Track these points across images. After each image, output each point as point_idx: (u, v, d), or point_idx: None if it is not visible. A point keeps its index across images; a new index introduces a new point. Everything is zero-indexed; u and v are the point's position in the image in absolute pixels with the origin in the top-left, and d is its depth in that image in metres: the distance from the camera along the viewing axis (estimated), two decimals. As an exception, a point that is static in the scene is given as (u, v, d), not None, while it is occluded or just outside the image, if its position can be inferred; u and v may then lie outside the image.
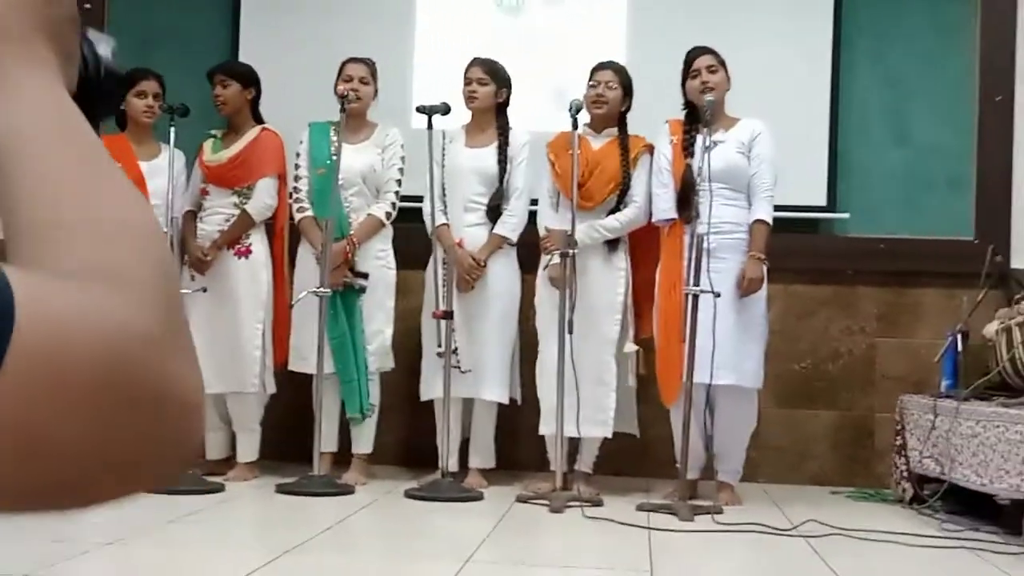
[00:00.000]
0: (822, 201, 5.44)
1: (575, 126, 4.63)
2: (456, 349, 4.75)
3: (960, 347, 4.83)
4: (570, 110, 4.61)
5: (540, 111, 5.33)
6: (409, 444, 5.42)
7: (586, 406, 4.70)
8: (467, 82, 4.94)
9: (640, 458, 5.30)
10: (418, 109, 4.85)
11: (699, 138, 4.66)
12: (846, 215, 5.45)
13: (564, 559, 3.66)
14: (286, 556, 3.41)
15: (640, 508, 4.44)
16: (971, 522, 4.32)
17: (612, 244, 4.85)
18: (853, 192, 5.48)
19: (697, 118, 4.73)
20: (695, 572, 3.52)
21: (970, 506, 4.49)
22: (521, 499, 4.61)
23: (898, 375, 5.41)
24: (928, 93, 5.48)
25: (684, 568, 3.53)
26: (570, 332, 4.48)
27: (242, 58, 5.46)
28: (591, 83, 4.87)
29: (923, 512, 4.59)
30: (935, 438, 4.59)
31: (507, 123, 5.00)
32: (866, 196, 5.48)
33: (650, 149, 4.90)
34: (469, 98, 4.94)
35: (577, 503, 4.46)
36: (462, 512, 4.38)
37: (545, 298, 4.84)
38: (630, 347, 4.86)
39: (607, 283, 4.83)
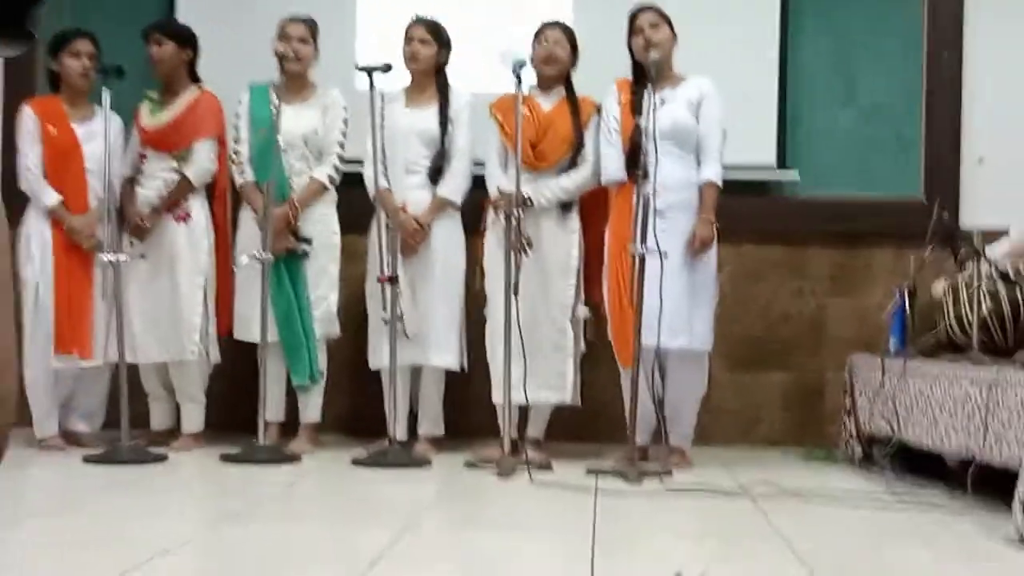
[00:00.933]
0: (771, 159, 5.40)
1: (519, 83, 4.54)
2: (402, 315, 4.68)
3: (907, 306, 4.81)
4: (513, 68, 4.53)
5: (483, 72, 5.23)
6: (357, 412, 5.34)
7: (540, 371, 4.65)
8: (407, 41, 4.85)
9: (593, 424, 5.26)
10: (358, 68, 4.76)
11: (645, 96, 4.60)
12: (795, 172, 5.41)
13: (508, 523, 3.60)
14: (226, 524, 3.34)
15: (589, 472, 4.40)
16: (920, 481, 4.31)
17: (565, 205, 4.79)
18: (802, 151, 5.45)
19: (644, 77, 4.66)
20: (638, 533, 3.47)
21: (919, 465, 4.48)
22: (469, 465, 4.56)
23: (848, 336, 5.39)
24: (876, 51, 5.44)
25: (627, 530, 3.49)
26: (515, 294, 4.41)
27: (179, 17, 5.32)
28: (540, 42, 4.79)
29: (872, 471, 4.58)
30: (884, 397, 4.57)
31: (447, 84, 4.91)
32: (816, 155, 5.45)
33: (599, 111, 4.83)
34: (411, 58, 4.85)
35: (526, 468, 4.42)
36: (409, 479, 4.33)
37: (495, 261, 4.74)
38: (583, 311, 4.81)
39: (560, 245, 4.77)
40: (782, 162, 5.40)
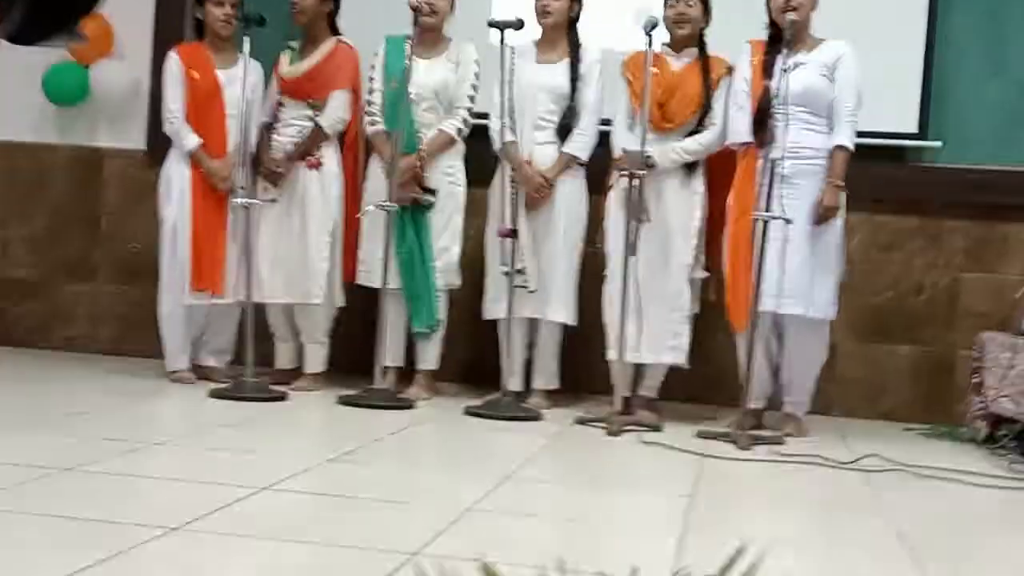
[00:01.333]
0: (913, 128, 5.24)
1: (650, 43, 4.50)
2: (522, 269, 4.72)
3: (1044, 284, 4.63)
4: (644, 28, 4.49)
5: (617, 29, 5.20)
6: (475, 363, 5.41)
7: (657, 331, 4.63)
8: (540, -6, 4.84)
9: (710, 386, 5.23)
10: (490, 24, 4.78)
11: (779, 59, 4.51)
12: (938, 143, 5.24)
13: (606, 481, 3.63)
14: (330, 464, 3.45)
15: (700, 435, 4.38)
16: (1044, 465, 4.17)
17: (690, 167, 4.73)
18: (947, 121, 5.26)
19: (780, 38, 4.57)
20: (736, 498, 3.46)
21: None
22: (580, 421, 4.58)
23: (982, 312, 5.23)
24: (1027, 22, 5.21)
25: (724, 494, 3.48)
26: (632, 255, 4.40)
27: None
28: (671, 2, 4.73)
29: (996, 452, 4.45)
30: (1012, 377, 4.43)
31: (578, 39, 4.89)
32: (960, 126, 5.26)
33: (731, 71, 4.75)
34: (542, 13, 4.84)
35: (636, 427, 4.42)
36: (520, 430, 4.38)
37: (617, 221, 4.73)
38: (699, 273, 4.77)
39: (683, 207, 4.72)
40: (924, 132, 5.23)
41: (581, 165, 4.88)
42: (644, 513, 3.21)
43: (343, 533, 2.66)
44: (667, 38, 4.77)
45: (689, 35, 4.74)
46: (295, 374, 5.09)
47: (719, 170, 4.79)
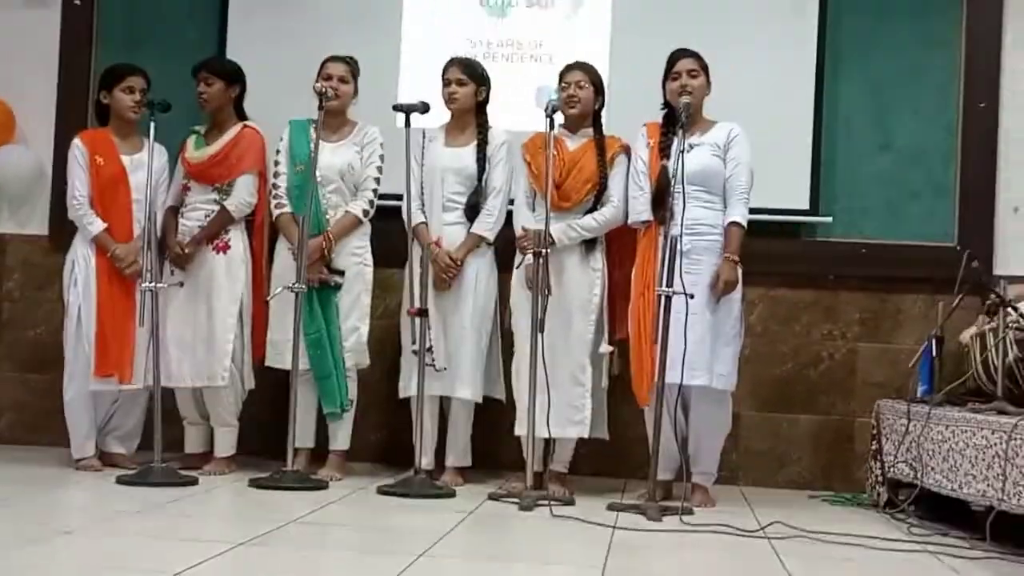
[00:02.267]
0: (805, 205, 5.43)
1: (551, 127, 4.64)
2: (431, 347, 4.77)
3: (935, 352, 4.81)
4: (546, 111, 4.63)
5: (524, 111, 5.34)
6: (387, 442, 5.44)
7: (561, 406, 4.71)
8: (446, 83, 4.97)
9: (618, 459, 5.32)
10: (395, 108, 4.90)
11: (675, 140, 4.67)
12: (829, 219, 5.44)
13: (521, 555, 3.66)
14: (247, 546, 3.43)
15: (610, 508, 4.45)
16: (942, 527, 4.31)
17: (589, 244, 4.86)
18: (836, 196, 5.48)
19: (675, 120, 4.74)
20: (646, 569, 3.52)
21: (944, 511, 4.48)
22: (493, 497, 4.62)
23: (879, 380, 5.41)
24: (912, 99, 5.47)
25: (635, 565, 3.54)
26: (541, 331, 4.49)
27: (229, 54, 5.49)
28: (562, 84, 4.89)
29: (896, 517, 4.58)
30: (908, 443, 4.58)
31: (486, 122, 5.02)
32: (849, 201, 5.48)
33: (626, 149, 4.91)
34: (449, 99, 4.96)
35: (548, 502, 4.47)
36: (433, 508, 4.39)
37: (521, 298, 4.84)
38: (605, 347, 4.87)
39: (583, 283, 4.83)
40: (815, 208, 5.43)
41: (489, 245, 4.97)
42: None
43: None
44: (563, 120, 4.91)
45: (580, 115, 4.88)
46: (205, 458, 5.05)
47: (619, 244, 4.93)
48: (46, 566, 3.15)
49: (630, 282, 4.80)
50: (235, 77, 5.12)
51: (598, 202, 4.85)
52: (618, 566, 3.39)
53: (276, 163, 5.07)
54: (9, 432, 5.75)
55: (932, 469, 4.37)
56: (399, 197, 4.96)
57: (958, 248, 5.22)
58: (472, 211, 4.95)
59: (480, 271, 4.96)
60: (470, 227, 4.94)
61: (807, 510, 4.76)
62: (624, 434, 5.19)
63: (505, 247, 4.97)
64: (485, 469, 5.11)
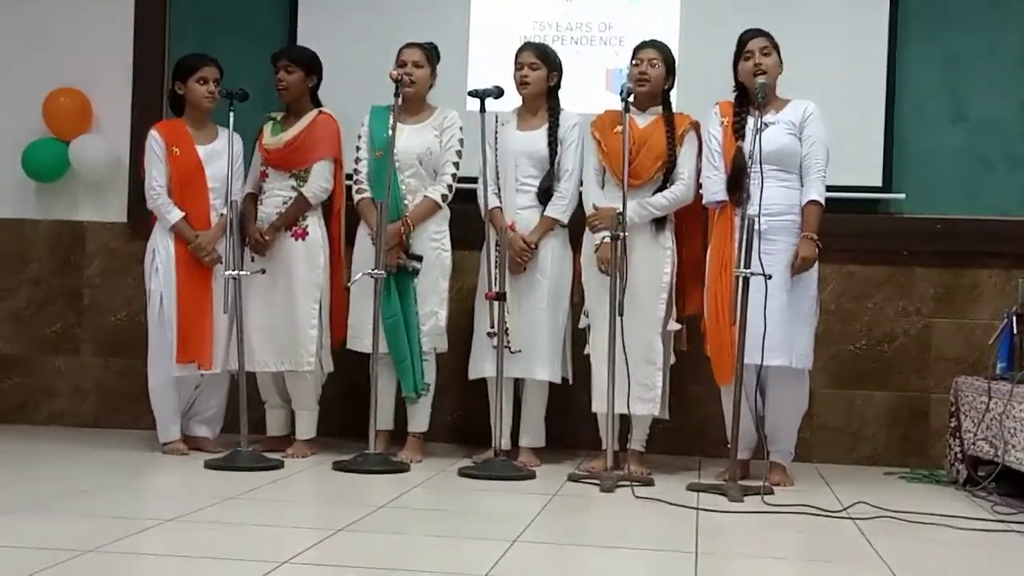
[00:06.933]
0: (878, 182, 5.41)
1: (627, 109, 4.64)
2: (507, 329, 4.81)
3: (1015, 329, 4.78)
4: (621, 94, 4.64)
5: (593, 94, 5.36)
6: (464, 423, 5.51)
7: (633, 384, 4.73)
8: (518, 67, 4.98)
9: (694, 437, 5.36)
10: (470, 93, 4.92)
11: (750, 120, 4.66)
12: (902, 196, 5.41)
13: (611, 539, 3.69)
14: (340, 535, 3.50)
15: (690, 488, 4.48)
16: (1024, 505, 4.31)
17: (659, 222, 4.86)
18: (909, 172, 5.44)
19: (748, 100, 4.74)
20: (740, 553, 3.55)
21: (1025, 489, 4.48)
22: (573, 478, 4.67)
23: (953, 356, 5.39)
24: (986, 72, 5.41)
25: (729, 549, 3.57)
26: (620, 314, 4.51)
27: (300, 42, 5.51)
28: (634, 61, 4.88)
29: (976, 495, 4.58)
30: (989, 420, 4.57)
31: (558, 105, 5.03)
32: (923, 176, 5.44)
33: (695, 126, 4.90)
34: (521, 83, 4.98)
35: (628, 482, 4.51)
36: (515, 491, 4.45)
37: (592, 278, 4.86)
38: (674, 325, 4.88)
39: (654, 262, 4.84)
40: (888, 185, 5.40)
41: (563, 227, 5.00)
42: (654, 573, 3.29)
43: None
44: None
45: (650, 93, 4.88)
46: (287, 440, 5.14)
47: (687, 222, 4.93)
48: (153, 556, 3.23)
49: (697, 260, 4.82)
50: (314, 66, 5.15)
51: (667, 179, 4.85)
52: (710, 550, 3.43)
53: (357, 148, 5.11)
54: (93, 415, 5.87)
55: (1014, 447, 4.36)
56: (475, 180, 5.00)
57: (1035, 221, 5.19)
58: (545, 195, 4.97)
59: (554, 252, 4.99)
60: (543, 210, 4.97)
61: (886, 488, 4.76)
62: (698, 412, 5.23)
63: (579, 228, 4.99)
64: (560, 448, 5.16)
